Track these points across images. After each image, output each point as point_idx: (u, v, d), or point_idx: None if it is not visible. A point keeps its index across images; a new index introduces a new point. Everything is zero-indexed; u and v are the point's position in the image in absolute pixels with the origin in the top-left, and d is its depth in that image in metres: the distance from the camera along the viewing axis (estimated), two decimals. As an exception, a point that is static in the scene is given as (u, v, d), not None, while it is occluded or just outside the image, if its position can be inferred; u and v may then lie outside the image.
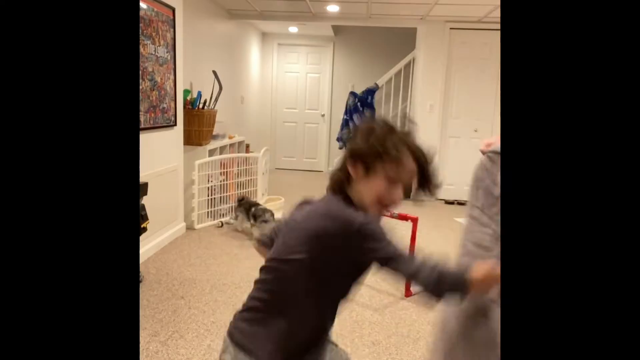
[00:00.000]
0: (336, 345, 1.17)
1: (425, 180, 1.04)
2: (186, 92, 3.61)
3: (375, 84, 5.83)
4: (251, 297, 1.05)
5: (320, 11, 4.75)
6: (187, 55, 3.65)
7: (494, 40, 4.88)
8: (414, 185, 1.04)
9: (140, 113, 2.84)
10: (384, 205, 1.02)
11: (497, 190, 1.11)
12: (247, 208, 3.56)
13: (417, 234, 2.57)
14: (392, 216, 2.65)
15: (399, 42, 6.21)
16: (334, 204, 1.01)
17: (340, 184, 1.04)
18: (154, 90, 2.99)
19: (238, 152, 4.51)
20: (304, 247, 0.97)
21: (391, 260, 0.94)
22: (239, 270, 2.92)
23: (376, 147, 0.98)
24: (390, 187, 1.00)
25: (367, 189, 1.01)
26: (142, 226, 2.67)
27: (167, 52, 3.14)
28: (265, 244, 1.17)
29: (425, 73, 5.14)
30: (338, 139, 5.88)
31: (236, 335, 1.03)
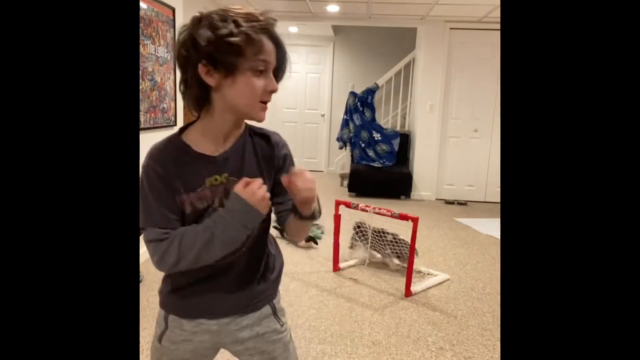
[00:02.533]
0: None
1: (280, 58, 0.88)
2: (186, 92, 3.61)
3: (375, 84, 5.83)
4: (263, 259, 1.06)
5: (320, 11, 4.75)
6: (187, 55, 3.65)
7: (494, 40, 4.88)
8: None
9: (140, 113, 2.83)
10: (264, 101, 0.88)
11: None
12: (383, 237, 2.97)
13: (417, 233, 2.57)
14: (392, 216, 2.64)
15: (399, 42, 6.22)
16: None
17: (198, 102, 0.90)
18: (154, 90, 2.99)
19: (238, 152, 4.49)
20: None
21: None
22: (239, 270, 2.92)
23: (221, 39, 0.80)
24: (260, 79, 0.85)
25: (236, 92, 0.85)
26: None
27: (167, 52, 3.14)
28: None
29: (425, 73, 5.15)
30: (338, 139, 5.88)
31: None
